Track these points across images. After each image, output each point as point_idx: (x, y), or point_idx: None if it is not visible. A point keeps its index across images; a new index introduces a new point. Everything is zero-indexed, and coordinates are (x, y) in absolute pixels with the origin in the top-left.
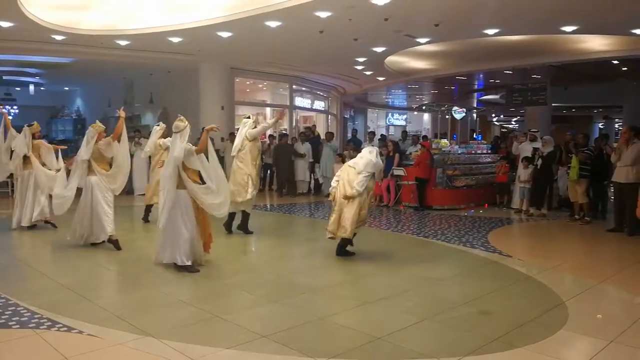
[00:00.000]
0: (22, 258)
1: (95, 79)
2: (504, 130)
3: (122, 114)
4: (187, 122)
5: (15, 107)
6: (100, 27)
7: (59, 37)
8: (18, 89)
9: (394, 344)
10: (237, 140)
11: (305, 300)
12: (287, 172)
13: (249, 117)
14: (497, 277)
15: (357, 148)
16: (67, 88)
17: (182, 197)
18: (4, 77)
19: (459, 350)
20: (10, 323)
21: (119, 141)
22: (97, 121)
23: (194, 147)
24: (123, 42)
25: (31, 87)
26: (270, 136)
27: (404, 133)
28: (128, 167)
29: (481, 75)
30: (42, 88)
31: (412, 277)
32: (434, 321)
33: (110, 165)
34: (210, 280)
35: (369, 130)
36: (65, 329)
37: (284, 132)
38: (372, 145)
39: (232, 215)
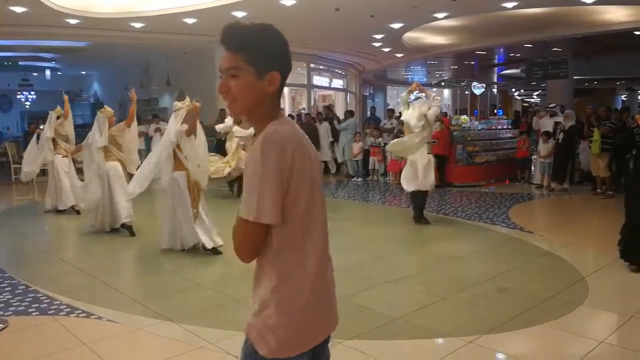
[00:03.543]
0: (42, 244)
1: (112, 63)
2: (525, 104)
3: (134, 96)
4: (187, 104)
5: (32, 92)
6: (114, 10)
7: (73, 21)
8: (35, 74)
9: (412, 323)
10: None
11: None
12: None
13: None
14: (518, 254)
15: (377, 126)
16: (83, 72)
17: (179, 179)
18: (20, 63)
19: (478, 329)
20: (30, 310)
21: (129, 126)
22: (105, 106)
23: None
24: (138, 25)
25: (47, 72)
26: (289, 115)
27: None
28: (137, 151)
29: (501, 50)
30: (58, 73)
31: (432, 255)
32: (452, 299)
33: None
34: (228, 263)
35: (389, 107)
36: (84, 314)
37: (303, 111)
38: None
39: None
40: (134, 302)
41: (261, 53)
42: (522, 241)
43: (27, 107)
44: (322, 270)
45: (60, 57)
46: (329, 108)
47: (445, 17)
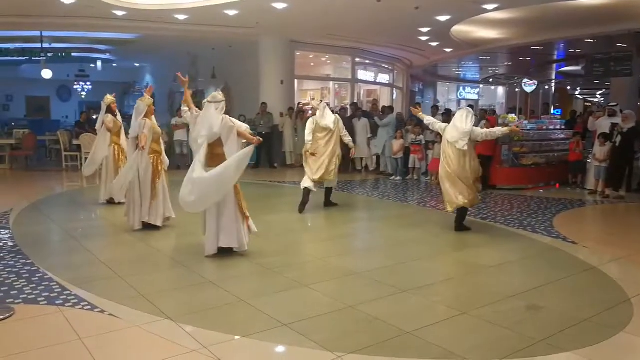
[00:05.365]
0: (74, 233)
1: (161, 55)
2: (587, 104)
3: (185, 81)
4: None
5: (88, 83)
6: (158, 2)
7: (119, 13)
8: (92, 65)
9: (422, 340)
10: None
11: (337, 286)
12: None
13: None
14: (556, 267)
15: (418, 123)
16: (137, 64)
17: None
18: (73, 54)
19: (496, 352)
20: (39, 299)
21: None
22: (145, 94)
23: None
24: (181, 17)
25: (99, 63)
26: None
27: (470, 107)
28: None
29: (561, 45)
30: (113, 64)
31: (460, 264)
32: (473, 315)
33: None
34: (246, 260)
35: (438, 104)
36: (89, 307)
37: (348, 106)
38: (467, 108)
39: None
40: (141, 297)
41: None
42: (562, 253)
43: (83, 97)
44: None
45: (114, 49)
46: (374, 104)
47: (495, 9)
